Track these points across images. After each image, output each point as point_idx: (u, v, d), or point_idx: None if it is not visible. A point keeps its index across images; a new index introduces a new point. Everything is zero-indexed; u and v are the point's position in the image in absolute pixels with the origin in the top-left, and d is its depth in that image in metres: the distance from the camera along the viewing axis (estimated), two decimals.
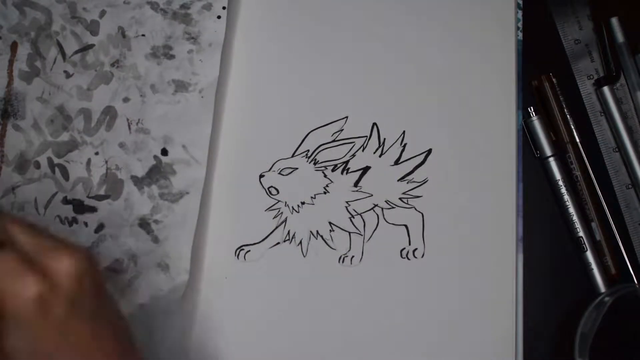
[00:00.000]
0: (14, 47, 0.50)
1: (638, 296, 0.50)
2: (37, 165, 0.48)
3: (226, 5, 0.51)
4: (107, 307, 0.35)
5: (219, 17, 0.51)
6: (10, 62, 0.50)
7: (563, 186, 0.52)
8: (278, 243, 0.49)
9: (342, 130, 0.51)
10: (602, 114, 0.54)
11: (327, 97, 0.51)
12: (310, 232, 0.50)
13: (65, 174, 0.48)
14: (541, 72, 0.54)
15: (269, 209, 0.50)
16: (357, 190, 0.50)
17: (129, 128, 0.49)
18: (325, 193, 0.50)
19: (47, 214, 0.47)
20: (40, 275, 0.32)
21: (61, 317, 0.32)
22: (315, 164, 0.50)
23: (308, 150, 0.51)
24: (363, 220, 0.50)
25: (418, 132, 0.51)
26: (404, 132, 0.51)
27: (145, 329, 0.45)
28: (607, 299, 0.49)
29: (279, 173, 0.50)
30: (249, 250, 0.49)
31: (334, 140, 0.51)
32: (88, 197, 0.48)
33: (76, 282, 0.33)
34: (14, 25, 0.50)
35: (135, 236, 0.47)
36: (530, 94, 0.54)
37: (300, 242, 0.49)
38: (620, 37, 0.54)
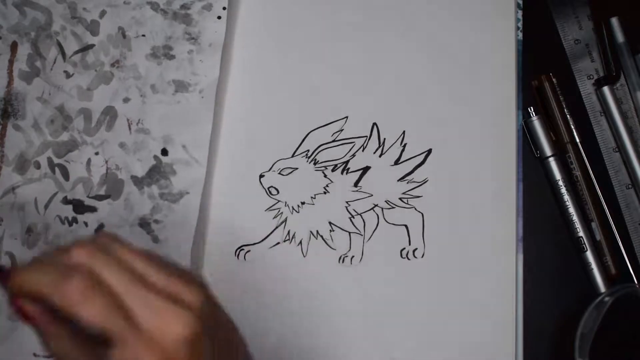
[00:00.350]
0: (13, 47, 0.50)
1: (638, 296, 0.50)
2: (37, 165, 0.48)
3: (226, 6, 0.51)
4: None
5: (219, 17, 0.51)
6: (10, 62, 0.50)
7: (563, 186, 0.52)
8: (278, 243, 0.49)
9: (342, 130, 0.51)
10: (602, 114, 0.54)
11: (327, 97, 0.51)
12: (310, 232, 0.49)
13: (66, 174, 0.48)
14: (541, 72, 0.53)
15: (269, 209, 0.50)
16: (357, 190, 0.50)
17: (129, 128, 0.49)
18: (325, 193, 0.50)
19: (47, 214, 0.47)
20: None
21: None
22: (315, 164, 0.50)
23: (308, 150, 0.51)
24: (363, 220, 0.50)
25: (418, 132, 0.51)
26: (404, 132, 0.51)
27: None
28: (607, 299, 0.49)
29: (279, 173, 0.50)
30: (249, 250, 0.49)
31: (334, 140, 0.51)
32: (88, 197, 0.48)
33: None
34: (13, 25, 0.50)
35: (135, 236, 0.47)
36: (530, 94, 0.54)
37: (300, 242, 0.49)
38: (620, 37, 0.54)
